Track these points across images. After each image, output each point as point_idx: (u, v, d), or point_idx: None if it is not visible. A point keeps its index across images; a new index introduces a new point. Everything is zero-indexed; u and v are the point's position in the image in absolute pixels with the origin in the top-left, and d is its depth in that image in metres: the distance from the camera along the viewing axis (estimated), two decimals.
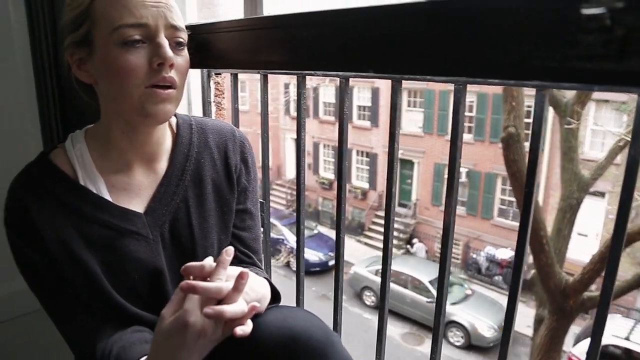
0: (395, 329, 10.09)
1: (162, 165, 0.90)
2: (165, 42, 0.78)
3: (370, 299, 11.12)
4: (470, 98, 12.44)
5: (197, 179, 0.92)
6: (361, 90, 15.08)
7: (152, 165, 0.89)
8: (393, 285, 10.72)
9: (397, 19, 0.67)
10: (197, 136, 0.94)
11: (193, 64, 0.92)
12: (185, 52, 0.84)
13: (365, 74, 0.81)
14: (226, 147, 0.96)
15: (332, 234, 14.34)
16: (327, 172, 16.53)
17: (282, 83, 16.47)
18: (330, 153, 16.38)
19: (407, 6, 0.63)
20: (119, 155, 0.86)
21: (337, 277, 1.06)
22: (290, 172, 17.64)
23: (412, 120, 13.96)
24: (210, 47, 1.04)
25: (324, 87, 15.70)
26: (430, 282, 10.38)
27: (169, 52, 0.77)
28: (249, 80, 16.22)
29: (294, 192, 18.28)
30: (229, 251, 0.74)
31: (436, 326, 0.90)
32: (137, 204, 0.87)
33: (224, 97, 1.37)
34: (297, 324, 0.78)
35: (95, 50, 0.77)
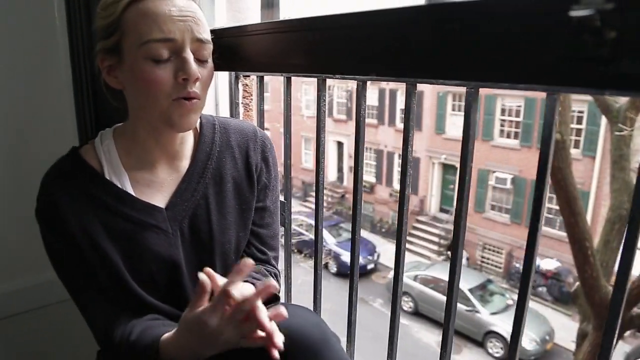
0: (432, 337, 9.92)
1: (185, 163, 0.94)
2: (190, 58, 0.81)
3: (408, 304, 10.99)
4: (518, 102, 12.09)
5: (217, 177, 0.95)
6: (404, 94, 14.92)
7: (175, 163, 0.93)
8: (431, 292, 10.56)
9: (410, 22, 0.67)
10: (219, 136, 0.98)
11: (220, 67, 0.95)
12: (209, 64, 0.87)
13: (380, 78, 0.82)
14: (247, 147, 0.99)
15: (371, 237, 14.28)
16: (368, 175, 16.46)
17: (325, 85, 16.53)
18: (371, 156, 16.31)
19: (417, 9, 0.63)
20: (144, 153, 0.91)
21: (351, 280, 1.07)
22: (332, 174, 17.69)
23: (456, 124, 13.70)
24: (235, 50, 1.07)
25: (367, 90, 15.60)
26: (471, 290, 10.15)
27: (194, 68, 0.80)
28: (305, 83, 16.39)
29: (334, 194, 18.36)
30: (248, 263, 0.73)
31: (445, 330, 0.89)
32: (159, 199, 0.91)
33: (251, 99, 1.41)
34: (293, 322, 0.80)
35: (124, 60, 0.81)
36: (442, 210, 13.92)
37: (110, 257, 0.85)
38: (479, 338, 9.75)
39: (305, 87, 17.31)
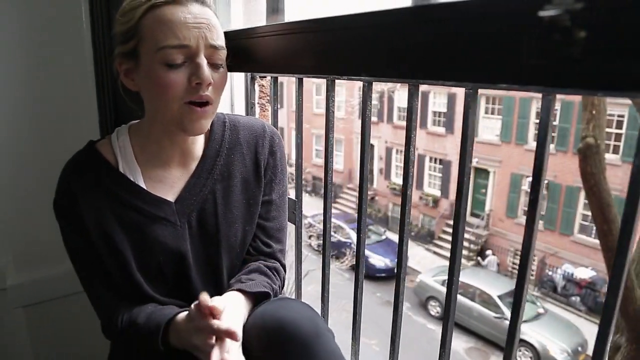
0: (459, 343, 9.76)
1: (195, 160, 0.98)
2: (204, 63, 0.84)
3: (435, 309, 10.85)
4: (554, 106, 11.75)
5: (226, 173, 0.98)
6: (437, 96, 14.77)
7: (186, 160, 0.97)
8: (460, 297, 10.38)
9: (400, 23, 0.68)
10: (229, 133, 1.01)
11: (234, 68, 0.98)
12: (223, 69, 0.90)
13: (383, 79, 0.83)
14: (256, 143, 1.02)
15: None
16: (399, 178, 16.34)
17: (357, 87, 16.52)
18: (401, 158, 16.17)
19: (401, 11, 0.64)
20: (157, 150, 0.95)
21: (356, 279, 1.07)
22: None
23: (489, 127, 13.45)
24: (248, 52, 1.09)
25: (399, 92, 15.53)
26: (500, 296, 9.94)
27: (206, 73, 0.84)
28: (323, 84, 16.42)
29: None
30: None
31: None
32: (169, 194, 0.95)
33: (268, 99, 1.43)
34: (287, 315, 0.82)
35: (140, 64, 0.85)
36: (473, 214, 13.68)
37: (120, 248, 0.89)
38: None
39: (336, 89, 17.35)
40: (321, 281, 1.22)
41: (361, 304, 1.10)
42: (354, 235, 12.97)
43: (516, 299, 0.73)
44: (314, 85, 18.32)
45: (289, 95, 18.67)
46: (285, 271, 1.06)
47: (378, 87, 15.86)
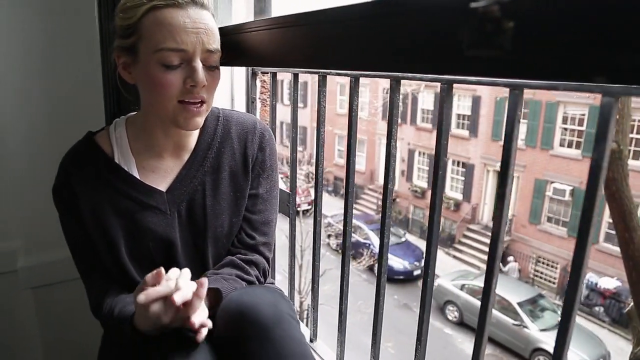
0: None
1: (188, 152, 1.02)
2: (199, 67, 0.88)
3: (453, 314, 10.73)
4: (582, 111, 11.52)
5: (216, 165, 1.02)
6: (461, 99, 14.60)
7: (178, 152, 1.01)
8: (478, 303, 10.21)
9: (369, 18, 0.69)
10: (221, 127, 1.04)
11: (226, 63, 1.01)
12: (216, 70, 0.93)
13: (373, 74, 0.85)
14: (246, 138, 1.05)
15: (420, 243, 14.04)
16: (420, 180, 16.21)
17: (380, 87, 16.45)
18: (425, 161, 16.05)
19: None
20: (151, 142, 0.99)
21: (343, 272, 1.09)
22: (382, 178, 17.53)
23: None
24: (241, 46, 1.11)
25: (423, 94, 15.42)
26: (520, 304, 9.76)
27: (201, 76, 0.87)
28: (346, 84, 16.38)
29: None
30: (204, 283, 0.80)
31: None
32: (161, 184, 0.99)
33: (269, 95, 1.46)
34: (248, 300, 0.85)
35: (138, 60, 0.89)
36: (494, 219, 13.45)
37: (112, 233, 0.94)
38: (526, 354, 9.36)
39: (360, 90, 17.32)
40: (311, 277, 1.25)
41: (347, 297, 1.12)
42: (372, 236, 12.93)
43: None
44: (338, 85, 18.29)
45: (313, 95, 18.69)
46: (268, 264, 1.08)
47: (402, 88, 15.75)
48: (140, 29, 0.86)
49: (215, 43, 0.90)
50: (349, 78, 0.98)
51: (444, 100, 0.75)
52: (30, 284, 1.59)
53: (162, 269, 0.80)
